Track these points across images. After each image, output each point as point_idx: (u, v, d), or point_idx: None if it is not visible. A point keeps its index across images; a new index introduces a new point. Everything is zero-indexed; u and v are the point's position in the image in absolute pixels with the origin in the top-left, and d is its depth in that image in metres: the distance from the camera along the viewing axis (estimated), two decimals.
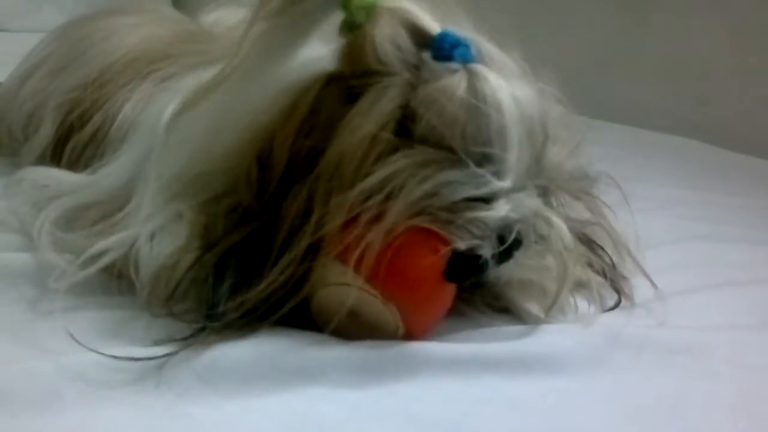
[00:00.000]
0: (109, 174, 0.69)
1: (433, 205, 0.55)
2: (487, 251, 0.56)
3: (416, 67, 0.57)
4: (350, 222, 0.55)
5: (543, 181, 0.59)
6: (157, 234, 0.61)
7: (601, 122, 1.32)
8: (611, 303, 0.66)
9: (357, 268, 0.54)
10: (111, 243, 0.62)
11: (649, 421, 0.53)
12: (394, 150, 0.55)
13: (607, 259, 0.67)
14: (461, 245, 0.55)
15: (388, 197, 0.54)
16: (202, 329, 0.55)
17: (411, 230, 0.55)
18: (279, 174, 0.57)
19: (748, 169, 1.23)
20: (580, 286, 0.66)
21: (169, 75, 0.81)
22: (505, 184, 0.56)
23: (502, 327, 0.62)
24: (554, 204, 0.62)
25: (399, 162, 0.55)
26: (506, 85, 0.56)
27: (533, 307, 0.63)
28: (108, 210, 0.66)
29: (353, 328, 0.57)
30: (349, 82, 0.57)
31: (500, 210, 0.56)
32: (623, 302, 0.66)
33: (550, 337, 0.60)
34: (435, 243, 0.56)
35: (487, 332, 0.61)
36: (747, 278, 0.78)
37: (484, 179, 0.55)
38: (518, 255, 0.58)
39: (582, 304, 0.65)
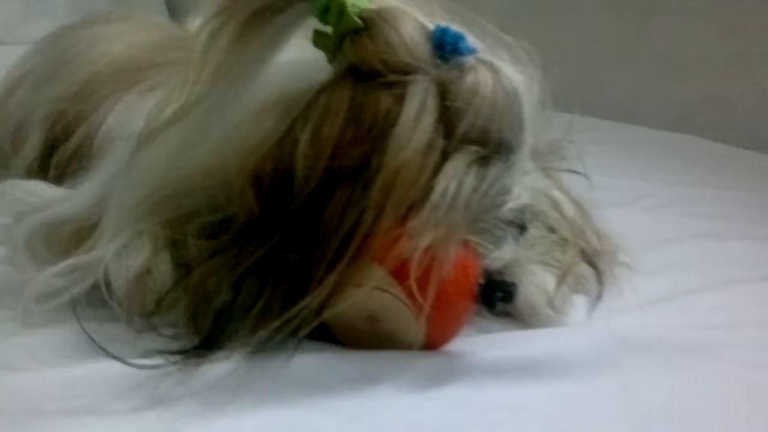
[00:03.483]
0: (84, 190, 0.68)
1: (484, 210, 0.55)
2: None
3: (434, 64, 0.55)
4: (398, 226, 0.53)
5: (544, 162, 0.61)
6: (123, 252, 0.60)
7: (602, 121, 1.33)
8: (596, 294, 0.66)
9: (398, 276, 0.53)
10: (77, 262, 0.61)
11: (660, 425, 0.52)
12: (444, 154, 0.54)
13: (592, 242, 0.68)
14: (497, 273, 0.57)
15: (449, 206, 0.53)
16: (208, 347, 0.53)
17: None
18: (312, 187, 0.54)
19: (750, 164, 1.23)
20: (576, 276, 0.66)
21: (154, 84, 0.79)
22: (523, 169, 0.57)
23: (504, 331, 0.61)
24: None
25: (456, 168, 0.54)
26: (516, 73, 0.57)
27: (538, 299, 0.63)
28: (80, 227, 0.64)
29: (368, 336, 0.56)
30: (385, 78, 0.55)
31: (518, 200, 0.57)
32: (615, 296, 0.66)
33: (554, 340, 0.59)
34: (472, 258, 0.56)
35: (489, 336, 0.60)
36: (754, 276, 0.78)
37: (512, 168, 0.55)
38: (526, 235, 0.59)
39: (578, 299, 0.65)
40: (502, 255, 0.59)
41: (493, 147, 0.55)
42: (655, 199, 0.99)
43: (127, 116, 0.77)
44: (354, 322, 0.55)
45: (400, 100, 0.53)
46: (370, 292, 0.53)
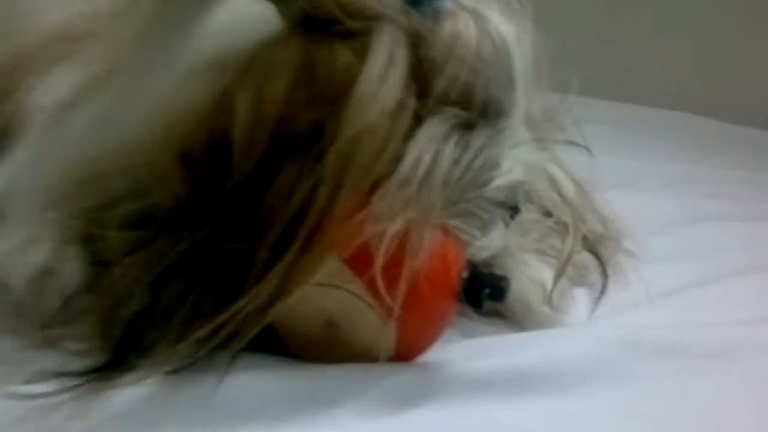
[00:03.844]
0: None
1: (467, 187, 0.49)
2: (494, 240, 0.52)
3: (404, 10, 0.49)
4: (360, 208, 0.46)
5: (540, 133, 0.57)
6: (23, 246, 0.53)
7: (600, 101, 1.28)
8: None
9: (360, 269, 0.46)
10: None
11: None
12: (417, 118, 0.48)
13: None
14: (483, 265, 0.52)
15: (424, 182, 0.46)
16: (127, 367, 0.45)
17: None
18: (253, 160, 0.47)
19: (755, 142, 1.21)
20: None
21: (90, 58, 0.72)
22: (514, 138, 0.51)
23: (492, 335, 0.56)
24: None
25: (432, 134, 0.47)
26: (506, 23, 0.51)
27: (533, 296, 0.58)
28: None
29: (325, 345, 0.49)
30: (343, 26, 0.48)
31: (509, 176, 0.51)
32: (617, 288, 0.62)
33: (552, 346, 0.53)
34: (452, 246, 0.49)
35: (477, 344, 0.54)
36: None
37: (502, 136, 0.50)
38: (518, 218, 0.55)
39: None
40: (489, 243, 0.53)
41: (477, 110, 0.48)
42: (655, 180, 0.95)
43: (53, 92, 0.68)
44: (307, 328, 0.48)
45: (362, 52, 0.46)
46: (326, 291, 0.46)
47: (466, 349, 0.53)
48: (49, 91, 0.68)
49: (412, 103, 0.47)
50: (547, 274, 0.58)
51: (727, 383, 0.51)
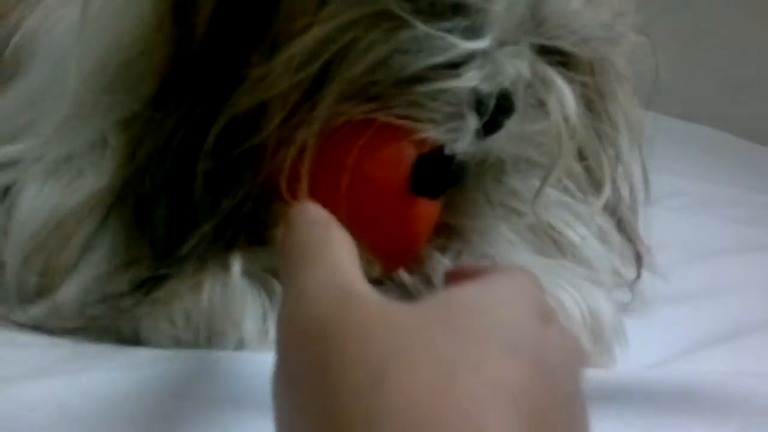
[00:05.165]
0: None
1: (385, 82, 0.43)
2: (461, 142, 0.44)
3: None
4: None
5: (543, 39, 0.45)
6: (61, 168, 0.47)
7: None
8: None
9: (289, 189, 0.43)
10: None
11: None
12: None
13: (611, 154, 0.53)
14: (426, 146, 0.43)
15: (327, 68, 0.42)
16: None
17: (363, 125, 0.43)
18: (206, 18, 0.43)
19: None
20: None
21: None
22: (481, 43, 0.43)
23: None
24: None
25: (343, 15, 0.42)
26: None
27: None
28: None
29: None
30: None
31: (469, 78, 0.43)
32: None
33: None
34: (397, 142, 0.44)
35: None
36: None
37: (449, 40, 0.42)
38: (510, 124, 0.45)
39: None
40: (456, 144, 0.44)
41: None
42: (685, 198, 0.84)
43: (50, 23, 0.62)
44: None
45: None
46: None
47: None
48: (42, 20, 0.63)
49: None
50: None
51: None
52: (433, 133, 0.43)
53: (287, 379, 0.28)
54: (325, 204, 0.36)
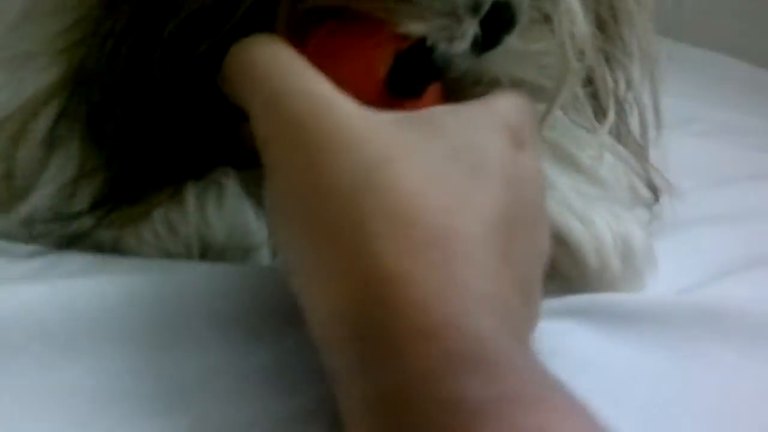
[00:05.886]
0: None
1: None
2: (454, 45, 0.39)
3: None
4: None
5: None
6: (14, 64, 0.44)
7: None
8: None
9: None
10: None
11: None
12: None
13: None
14: (406, 43, 0.38)
15: None
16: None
17: (337, 27, 0.39)
18: None
19: None
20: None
21: None
22: None
23: None
24: None
25: None
26: None
27: None
28: None
29: None
30: None
31: None
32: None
33: None
34: (371, 40, 0.39)
35: None
36: None
37: None
38: (509, 39, 0.40)
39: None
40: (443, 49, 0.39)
41: None
42: (705, 123, 0.81)
43: None
44: None
45: None
46: None
47: None
48: None
49: None
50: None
51: None
52: (417, 28, 0.38)
53: (277, 192, 0.31)
54: None
